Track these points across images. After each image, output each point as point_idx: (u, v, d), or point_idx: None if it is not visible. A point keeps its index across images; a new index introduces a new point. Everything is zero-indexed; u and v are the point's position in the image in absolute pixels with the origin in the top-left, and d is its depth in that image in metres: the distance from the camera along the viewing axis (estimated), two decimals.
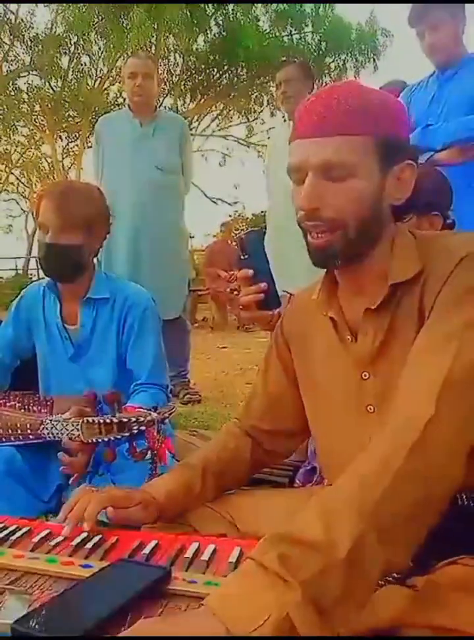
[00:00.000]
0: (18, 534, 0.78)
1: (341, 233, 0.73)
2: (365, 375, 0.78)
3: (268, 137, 14.73)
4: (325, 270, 0.82)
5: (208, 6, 10.57)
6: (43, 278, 1.54)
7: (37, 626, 0.55)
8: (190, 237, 4.51)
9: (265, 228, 2.40)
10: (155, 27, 9.96)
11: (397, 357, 0.72)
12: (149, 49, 10.18)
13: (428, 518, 0.59)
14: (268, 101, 13.02)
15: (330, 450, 0.86)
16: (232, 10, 10.92)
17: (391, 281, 0.74)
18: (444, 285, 0.69)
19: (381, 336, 0.75)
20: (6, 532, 0.79)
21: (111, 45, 10.58)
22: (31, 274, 11.83)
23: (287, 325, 0.94)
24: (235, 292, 1.11)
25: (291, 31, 11.79)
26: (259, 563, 0.52)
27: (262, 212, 14.60)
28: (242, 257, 0.92)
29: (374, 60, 12.15)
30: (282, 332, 0.94)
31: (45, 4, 10.90)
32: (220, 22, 11.10)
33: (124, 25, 9.74)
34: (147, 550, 0.72)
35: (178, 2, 9.39)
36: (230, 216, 14.60)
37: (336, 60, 12.25)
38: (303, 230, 0.76)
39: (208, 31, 11.19)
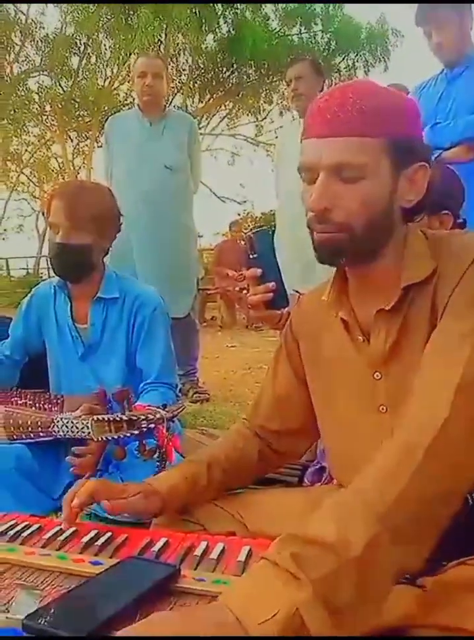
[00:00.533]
0: (29, 531, 0.79)
1: (348, 234, 0.72)
2: (377, 375, 0.77)
3: (277, 137, 14.73)
4: (335, 269, 0.82)
5: (217, 5, 10.56)
6: (53, 277, 1.56)
7: (47, 622, 0.55)
8: (199, 236, 4.51)
9: (274, 227, 2.40)
10: (164, 26, 9.97)
11: (410, 357, 0.72)
12: (157, 48, 10.21)
13: (443, 519, 0.59)
14: (277, 100, 13.00)
15: (341, 450, 0.85)
16: (241, 8, 10.90)
17: (404, 283, 0.73)
18: (456, 286, 0.69)
19: (393, 337, 0.75)
20: (17, 529, 0.79)
21: (120, 45, 10.62)
22: (41, 274, 11.92)
23: (296, 325, 0.93)
24: (244, 291, 1.11)
25: (300, 30, 11.75)
26: (272, 561, 0.53)
27: (271, 211, 14.57)
28: (251, 256, 0.92)
29: (384, 60, 12.07)
30: (292, 331, 0.94)
31: (55, 5, 10.97)
32: (230, 21, 11.09)
33: (133, 24, 9.76)
34: (156, 548, 0.72)
35: (181, 2, 9.39)
36: (239, 215, 14.59)
37: (346, 60, 12.19)
38: (310, 229, 0.76)
39: (217, 30, 11.19)
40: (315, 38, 11.87)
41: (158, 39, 10.48)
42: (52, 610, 0.57)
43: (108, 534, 0.77)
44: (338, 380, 0.83)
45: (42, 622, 0.55)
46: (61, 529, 0.79)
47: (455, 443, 0.59)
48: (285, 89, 2.52)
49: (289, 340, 0.94)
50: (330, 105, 0.71)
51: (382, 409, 0.77)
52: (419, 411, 0.63)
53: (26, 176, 14.81)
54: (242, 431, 0.99)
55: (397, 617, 0.65)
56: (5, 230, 15.83)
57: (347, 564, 0.52)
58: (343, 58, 12.16)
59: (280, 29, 11.49)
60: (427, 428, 0.60)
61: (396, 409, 0.74)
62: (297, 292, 1.10)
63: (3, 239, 15.78)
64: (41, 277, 10.89)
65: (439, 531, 0.58)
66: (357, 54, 12.06)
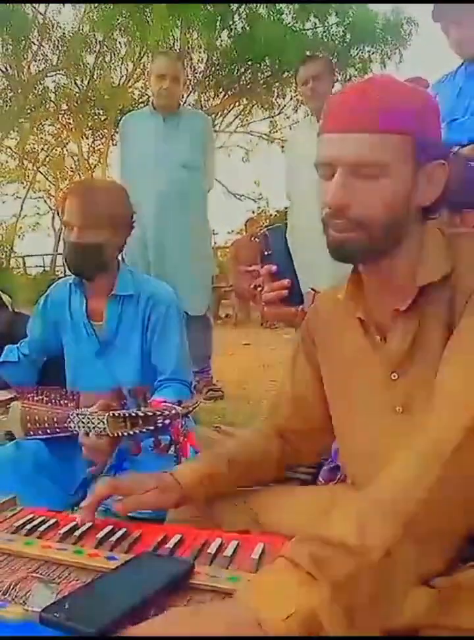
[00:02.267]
0: (46, 525, 0.80)
1: (364, 232, 0.71)
2: (394, 376, 0.77)
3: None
4: (350, 266, 0.81)
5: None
6: (69, 275, 1.57)
7: (64, 615, 0.56)
8: (214, 233, 4.52)
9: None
10: (178, 23, 9.98)
11: (427, 357, 0.71)
12: (172, 46, 10.23)
13: (465, 523, 0.58)
14: (292, 95, 12.93)
15: (356, 450, 0.85)
16: (255, 4, 10.85)
17: (420, 282, 0.73)
18: None
19: (410, 337, 0.74)
20: (34, 523, 0.81)
21: (135, 42, 10.67)
22: (58, 271, 12.03)
23: (312, 324, 0.93)
24: (258, 289, 1.11)
25: (315, 23, 11.65)
26: (290, 560, 0.53)
27: (286, 208, 14.51)
28: (266, 254, 0.92)
29: (399, 51, 11.92)
30: (308, 330, 0.93)
31: (72, 5, 11.05)
32: (244, 17, 11.05)
33: (148, 21, 9.79)
34: (171, 544, 0.73)
35: (194, 2, 9.38)
36: (253, 212, 14.56)
37: (361, 52, 12.06)
38: (324, 224, 0.75)
39: (231, 27, 11.16)
40: (329, 31, 11.76)
41: (173, 37, 10.49)
42: (68, 604, 0.58)
43: (123, 530, 0.78)
44: (353, 379, 0.83)
45: (59, 615, 0.56)
46: (77, 524, 0.80)
47: None
48: (301, 87, 2.49)
49: (305, 339, 0.94)
50: (351, 100, 0.70)
51: (398, 409, 0.76)
52: (442, 416, 0.62)
53: (42, 174, 14.96)
54: (262, 430, 0.99)
55: (409, 617, 0.65)
56: (21, 227, 16.03)
57: (366, 568, 0.51)
58: (359, 51, 12.03)
59: (294, 24, 11.40)
60: (452, 434, 0.59)
61: (412, 410, 0.74)
62: (312, 289, 1.10)
63: (20, 237, 15.97)
64: (57, 275, 11.00)
65: (460, 539, 0.58)
66: (372, 46, 11.92)
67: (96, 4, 10.19)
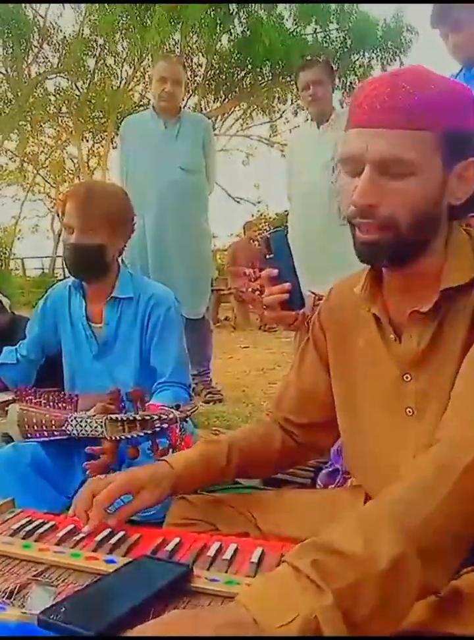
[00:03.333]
0: (44, 528, 0.79)
1: (392, 232, 0.68)
2: (407, 377, 0.75)
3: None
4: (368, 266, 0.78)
5: (231, 5, 10.57)
6: (69, 277, 1.57)
7: (62, 617, 0.56)
8: (213, 237, 4.52)
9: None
10: (179, 27, 10.02)
11: (443, 361, 0.70)
12: (172, 50, 10.26)
13: (470, 538, 0.57)
14: (292, 99, 12.97)
15: (362, 449, 0.83)
16: (255, 8, 10.89)
17: (444, 286, 0.70)
18: None
19: (427, 339, 0.72)
20: (32, 526, 0.80)
21: (135, 46, 10.70)
22: (57, 274, 12.04)
23: (325, 315, 0.89)
24: (258, 292, 1.11)
25: (315, 28, 11.71)
26: (292, 566, 0.52)
27: (285, 211, 14.52)
28: (267, 257, 0.92)
29: (399, 57, 11.98)
30: (320, 322, 0.90)
31: (73, 6, 11.09)
32: (244, 21, 11.09)
33: (148, 24, 9.83)
34: (169, 548, 0.72)
35: (195, 2, 9.41)
36: (253, 215, 14.58)
37: (361, 58, 12.12)
38: (351, 224, 0.72)
39: (231, 31, 11.21)
40: (330, 37, 11.81)
41: (174, 40, 10.53)
42: (66, 606, 0.58)
43: (122, 533, 0.77)
44: (364, 377, 0.80)
45: (57, 618, 0.56)
46: (75, 527, 0.79)
47: None
48: (301, 92, 2.50)
49: (316, 331, 0.91)
50: (380, 93, 0.66)
51: (409, 412, 0.75)
52: (457, 428, 0.61)
53: (42, 177, 14.98)
54: (265, 421, 0.97)
55: (408, 623, 0.64)
56: (21, 230, 16.04)
57: (370, 578, 0.51)
58: (359, 57, 12.09)
59: (295, 28, 11.45)
60: (466, 447, 0.58)
61: (423, 413, 0.73)
62: (312, 292, 1.10)
63: (19, 239, 15.97)
64: (57, 277, 11.01)
65: (465, 552, 0.57)
66: (372, 52, 11.97)
67: (97, 7, 10.22)
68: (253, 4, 10.67)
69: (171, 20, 9.49)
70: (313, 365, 0.92)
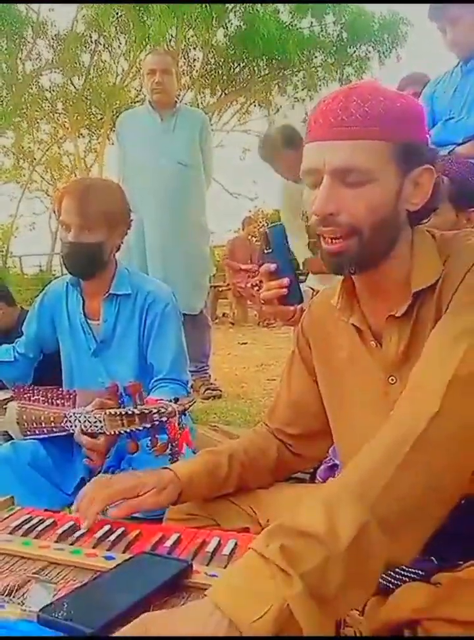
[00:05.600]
0: (43, 525, 0.79)
1: (356, 239, 0.71)
2: (392, 379, 0.77)
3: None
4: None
5: None
6: (66, 274, 1.57)
7: (62, 615, 0.56)
8: (211, 232, 4.52)
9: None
10: (175, 21, 9.96)
11: None
12: (168, 44, 10.21)
13: (435, 511, 0.58)
14: (289, 94, 12.93)
15: (354, 453, 0.84)
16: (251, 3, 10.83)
17: (414, 289, 0.73)
18: (459, 285, 0.69)
19: (405, 341, 0.75)
20: (31, 523, 0.80)
21: (131, 41, 10.65)
22: (54, 271, 12.00)
23: (308, 328, 0.93)
24: (256, 288, 1.11)
25: (312, 21, 11.65)
26: (260, 554, 0.53)
27: None
28: (265, 251, 0.92)
29: (396, 50, 11.93)
30: (304, 335, 0.93)
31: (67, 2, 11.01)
32: (240, 15, 11.03)
33: (144, 20, 9.77)
34: (168, 544, 0.73)
35: (190, 2, 9.36)
36: (250, 211, 14.55)
37: (358, 51, 12.06)
38: (316, 236, 0.75)
39: (227, 25, 11.15)
40: (326, 30, 11.76)
41: (170, 35, 10.48)
42: (66, 603, 0.58)
43: (121, 529, 0.77)
44: (351, 383, 0.83)
45: (56, 615, 0.56)
46: (74, 524, 0.79)
47: (442, 437, 0.59)
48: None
49: (301, 344, 0.94)
50: (334, 108, 0.70)
51: None
52: (409, 404, 0.63)
53: (39, 173, 14.92)
54: (262, 431, 1.00)
55: (409, 611, 0.65)
56: (18, 227, 15.97)
57: (336, 555, 0.52)
58: (355, 50, 12.03)
59: (291, 21, 11.39)
60: (416, 421, 0.59)
61: None
62: (311, 288, 1.10)
63: (16, 237, 15.91)
64: (54, 274, 10.97)
65: (433, 523, 0.58)
66: (369, 45, 11.92)
67: (92, 3, 10.16)
68: None
69: (167, 15, 9.42)
70: (300, 376, 0.94)
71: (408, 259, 0.75)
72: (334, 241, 0.72)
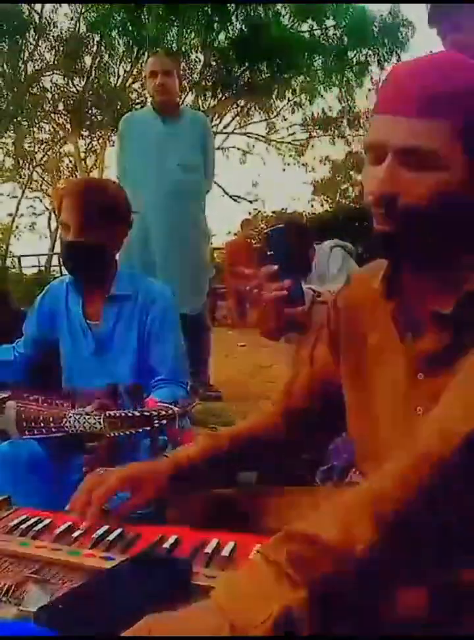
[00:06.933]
0: (40, 525, 0.79)
1: (411, 225, 0.65)
2: (421, 376, 0.73)
3: (290, 134, 14.65)
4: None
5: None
6: (65, 275, 1.56)
7: (59, 615, 0.56)
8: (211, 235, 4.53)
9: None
10: (176, 24, 9.99)
11: (458, 363, 0.67)
12: (170, 46, 10.23)
13: (455, 534, 0.56)
14: (289, 98, 12.96)
15: (368, 445, 0.82)
16: (253, 5, 10.86)
17: (469, 288, 0.67)
18: None
19: (445, 342, 0.69)
20: (28, 523, 0.80)
21: (132, 43, 10.67)
22: (53, 272, 11.99)
23: (342, 304, 0.87)
24: (255, 291, 1.11)
25: (312, 25, 11.69)
26: (267, 558, 0.52)
27: (282, 209, 14.52)
28: (268, 253, 0.92)
29: (397, 53, 11.95)
30: (335, 310, 0.87)
31: (69, 4, 11.03)
32: (241, 18, 11.06)
33: (145, 21, 9.80)
34: (167, 545, 0.72)
35: (190, 3, 9.38)
36: (250, 213, 14.56)
37: (358, 55, 12.10)
38: (369, 214, 0.69)
39: (228, 28, 11.18)
40: (326, 34, 11.80)
41: (171, 37, 10.51)
42: (64, 604, 0.58)
43: (120, 530, 0.77)
44: (376, 371, 0.79)
45: (54, 615, 0.56)
46: (72, 524, 0.79)
47: (470, 462, 0.56)
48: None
49: (332, 319, 0.88)
50: (407, 80, 0.63)
51: (419, 410, 0.73)
52: (445, 418, 0.59)
53: (39, 174, 14.92)
54: (267, 412, 0.96)
55: (404, 619, 0.64)
56: (17, 227, 15.97)
57: (346, 568, 0.50)
58: (356, 53, 12.07)
59: (292, 25, 11.43)
60: (450, 438, 0.56)
61: None
62: (311, 289, 1.09)
63: (16, 237, 15.91)
64: (53, 275, 10.96)
65: (449, 544, 0.56)
66: (370, 49, 11.95)
67: (93, 5, 10.18)
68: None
69: (168, 17, 9.45)
70: (324, 355, 0.89)
71: (467, 255, 0.68)
72: (387, 224, 0.66)
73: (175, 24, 10.06)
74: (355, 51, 12.04)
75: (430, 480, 0.55)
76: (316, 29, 11.77)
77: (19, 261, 12.71)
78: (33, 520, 0.81)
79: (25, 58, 11.60)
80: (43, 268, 12.98)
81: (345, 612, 0.50)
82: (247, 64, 11.75)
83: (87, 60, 11.73)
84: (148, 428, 1.09)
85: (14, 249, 14.23)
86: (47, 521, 0.80)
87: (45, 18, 11.40)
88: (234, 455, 0.87)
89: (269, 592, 0.49)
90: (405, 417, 0.74)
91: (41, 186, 15.59)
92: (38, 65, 11.92)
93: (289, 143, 14.92)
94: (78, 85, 12.00)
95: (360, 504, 0.55)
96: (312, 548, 0.51)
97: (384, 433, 0.77)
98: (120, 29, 10.70)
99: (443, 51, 0.70)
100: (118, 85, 12.09)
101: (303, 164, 15.37)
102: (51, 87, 12.15)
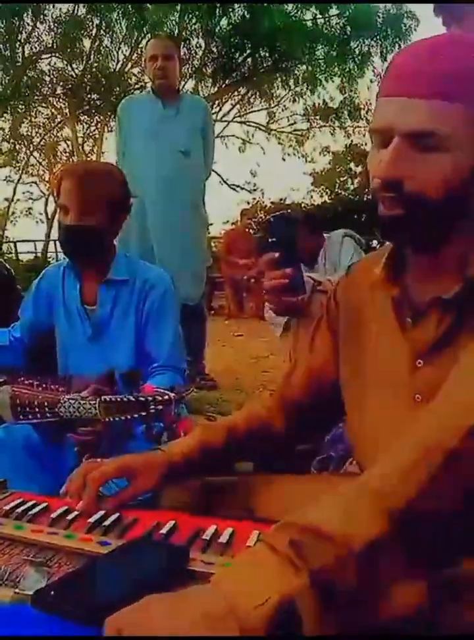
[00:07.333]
0: (36, 510, 0.78)
1: (417, 210, 0.64)
2: (419, 363, 0.72)
3: (290, 125, 14.55)
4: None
5: None
6: (61, 260, 1.54)
7: (55, 598, 0.55)
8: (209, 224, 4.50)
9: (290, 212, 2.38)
10: (177, 9, 9.86)
11: (458, 351, 0.67)
12: (171, 31, 10.11)
13: (460, 527, 0.56)
14: (290, 87, 12.85)
15: (365, 433, 0.82)
16: None
17: (471, 273, 0.66)
18: None
19: (445, 327, 0.69)
20: (24, 507, 0.79)
21: (132, 27, 10.53)
22: (50, 257, 11.93)
23: (341, 293, 0.87)
24: (252, 280, 1.09)
25: (315, 14, 11.56)
26: (269, 545, 0.52)
27: (281, 199, 14.46)
28: (269, 240, 0.91)
29: (399, 45, 11.84)
30: (335, 300, 0.88)
31: None
32: (244, 5, 10.92)
33: (146, 5, 9.66)
34: (164, 530, 0.72)
35: (190, 3, 9.25)
36: (248, 203, 14.50)
37: (361, 45, 11.99)
38: (374, 197, 0.68)
39: (231, 14, 11.03)
40: (329, 23, 11.68)
41: (172, 22, 10.37)
42: (60, 587, 0.57)
43: (117, 515, 0.77)
44: (376, 361, 0.78)
45: (50, 598, 0.55)
46: (68, 508, 0.79)
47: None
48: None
49: (331, 308, 0.88)
50: (414, 61, 0.62)
51: (418, 398, 0.73)
52: (447, 408, 0.59)
53: (36, 158, 14.77)
54: (266, 402, 0.95)
55: (404, 610, 0.64)
56: (13, 213, 15.83)
57: (348, 558, 0.50)
58: (358, 44, 11.96)
59: (295, 13, 11.29)
60: (453, 429, 0.56)
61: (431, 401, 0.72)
62: (310, 277, 1.09)
63: (12, 222, 15.78)
64: (49, 261, 10.90)
65: (452, 537, 0.56)
66: (373, 39, 11.84)
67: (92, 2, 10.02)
68: None
69: (170, 0, 9.32)
70: (324, 343, 0.89)
71: (471, 239, 0.68)
72: (393, 208, 0.65)
73: (176, 8, 9.92)
74: (357, 42, 11.92)
75: (435, 473, 0.54)
76: (319, 18, 11.64)
77: (15, 247, 12.62)
78: (29, 504, 0.80)
79: (22, 40, 11.42)
80: (39, 254, 12.90)
81: (346, 601, 0.50)
82: (249, 50, 11.63)
83: (86, 43, 11.58)
84: (143, 413, 1.08)
85: (10, 235, 14.13)
86: (42, 505, 0.80)
87: None
88: (231, 448, 0.87)
89: (271, 577, 0.49)
90: (402, 404, 0.74)
91: (38, 170, 15.46)
92: (36, 47, 11.74)
93: (290, 133, 14.82)
94: (76, 68, 11.85)
95: (363, 497, 0.55)
96: (314, 537, 0.51)
97: (383, 421, 0.77)
98: (121, 12, 10.55)
99: (454, 33, 0.68)
100: (117, 69, 11.94)
101: (302, 155, 15.28)
102: (48, 70, 12.01)
